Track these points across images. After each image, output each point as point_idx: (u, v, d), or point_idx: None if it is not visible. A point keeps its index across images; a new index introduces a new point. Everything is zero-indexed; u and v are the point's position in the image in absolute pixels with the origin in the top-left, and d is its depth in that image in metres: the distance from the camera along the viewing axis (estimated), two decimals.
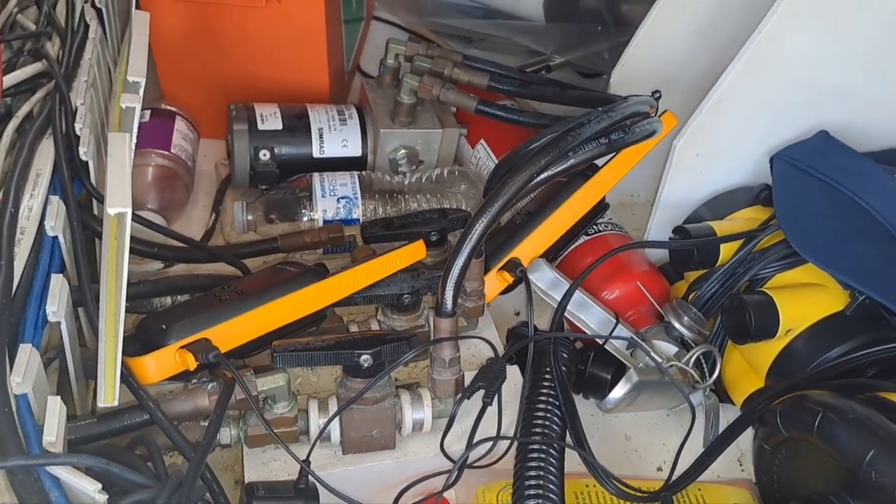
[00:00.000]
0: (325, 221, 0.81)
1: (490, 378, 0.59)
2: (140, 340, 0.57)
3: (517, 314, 0.82)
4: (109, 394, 0.50)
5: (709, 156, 0.77)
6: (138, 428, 0.53)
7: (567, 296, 0.68)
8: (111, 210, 0.42)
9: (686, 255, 0.75)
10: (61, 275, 0.55)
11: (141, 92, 0.59)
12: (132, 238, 0.71)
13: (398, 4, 1.19)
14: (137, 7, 0.80)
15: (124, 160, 0.47)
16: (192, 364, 0.53)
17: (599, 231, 0.78)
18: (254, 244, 0.77)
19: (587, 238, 0.77)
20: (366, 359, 0.57)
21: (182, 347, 0.55)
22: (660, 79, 0.85)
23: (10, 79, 0.72)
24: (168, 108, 0.89)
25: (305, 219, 0.81)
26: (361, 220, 0.82)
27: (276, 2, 0.86)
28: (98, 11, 0.83)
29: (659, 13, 0.84)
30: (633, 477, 0.61)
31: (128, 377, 0.53)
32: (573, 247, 0.76)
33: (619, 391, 0.64)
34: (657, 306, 0.72)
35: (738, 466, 0.71)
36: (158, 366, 0.54)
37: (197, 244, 0.76)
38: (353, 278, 0.63)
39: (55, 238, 0.59)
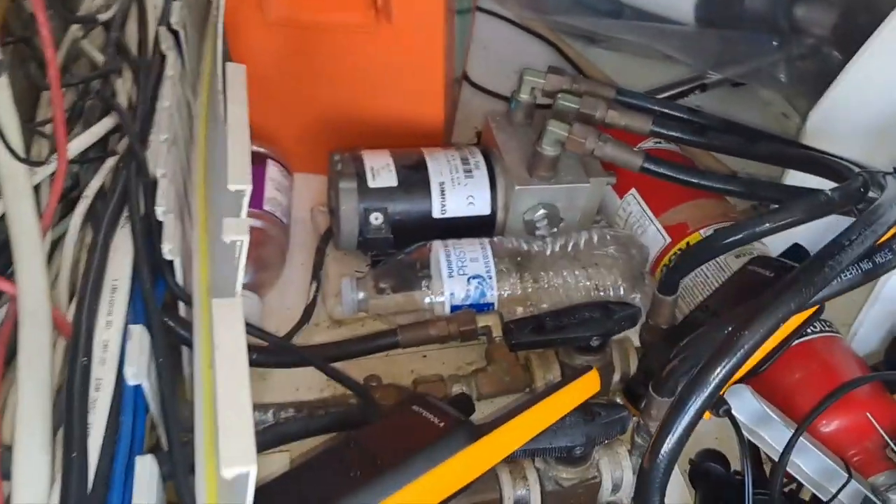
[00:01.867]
0: (452, 307, 0.66)
1: None
2: None
3: None
4: None
5: None
6: None
7: (789, 445, 0.52)
8: (227, 473, 0.28)
9: None
10: (150, 457, 0.42)
11: (245, 203, 0.44)
12: None
13: None
14: (224, 41, 0.65)
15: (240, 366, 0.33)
16: None
17: (804, 333, 0.61)
18: (367, 340, 0.63)
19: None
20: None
21: None
22: (874, 126, 0.66)
23: (79, 143, 0.58)
24: (258, 150, 0.75)
25: (427, 300, 0.67)
26: (496, 305, 0.67)
27: (387, 23, 0.70)
28: (174, 35, 0.69)
29: (881, 44, 0.65)
30: None
31: None
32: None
33: None
34: (894, 446, 0.56)
35: None
36: None
37: (282, 345, 0.61)
38: (516, 433, 0.48)
39: (137, 387, 0.46)
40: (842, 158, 0.61)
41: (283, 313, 0.71)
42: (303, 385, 0.64)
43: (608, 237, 0.71)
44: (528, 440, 0.49)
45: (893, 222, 0.47)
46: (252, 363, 0.58)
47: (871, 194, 0.52)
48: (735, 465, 0.60)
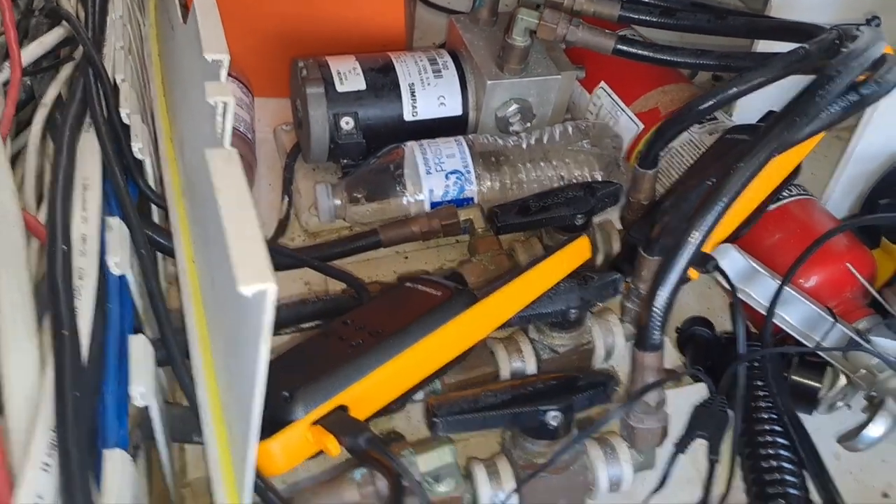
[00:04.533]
0: (433, 204, 0.65)
1: (711, 425, 0.45)
2: None
3: None
4: None
5: None
6: None
7: (777, 295, 0.52)
8: (246, 290, 0.27)
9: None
10: (142, 336, 0.41)
11: (224, 75, 0.42)
12: None
13: None
14: None
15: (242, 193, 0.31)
16: (335, 449, 0.39)
17: (782, 197, 0.62)
18: (349, 241, 0.62)
19: (769, 207, 0.61)
20: (554, 416, 0.42)
21: (316, 422, 0.40)
22: None
23: (30, 53, 0.55)
24: None
25: (405, 201, 0.66)
26: (476, 199, 0.66)
27: None
28: None
29: None
30: None
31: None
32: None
33: (877, 429, 0.50)
34: (874, 292, 0.57)
35: None
36: (287, 451, 0.40)
37: (282, 251, 0.60)
38: (513, 298, 0.48)
39: (122, 278, 0.44)
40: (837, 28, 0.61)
41: None
42: (283, 293, 0.63)
43: (582, 128, 0.70)
44: (524, 305, 0.48)
45: (873, 57, 0.47)
46: None
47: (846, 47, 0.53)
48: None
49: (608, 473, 0.46)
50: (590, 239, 0.61)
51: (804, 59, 0.51)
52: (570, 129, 0.70)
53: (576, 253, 0.52)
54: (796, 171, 0.59)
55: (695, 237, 0.42)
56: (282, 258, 0.57)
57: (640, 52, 0.63)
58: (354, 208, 0.66)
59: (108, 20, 0.61)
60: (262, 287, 0.27)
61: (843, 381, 0.56)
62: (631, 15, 0.67)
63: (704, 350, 0.58)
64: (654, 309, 0.43)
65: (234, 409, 0.37)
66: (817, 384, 0.56)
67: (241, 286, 0.27)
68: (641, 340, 0.44)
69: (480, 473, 0.45)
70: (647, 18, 0.67)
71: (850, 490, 0.57)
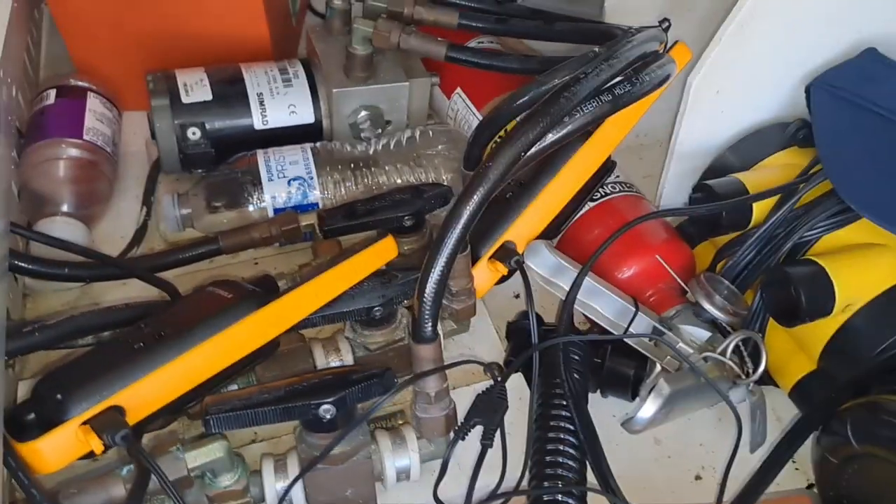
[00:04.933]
0: (276, 210, 0.67)
1: (489, 411, 0.47)
2: (36, 412, 0.44)
3: (517, 297, 0.69)
4: None
5: (732, 91, 0.63)
6: None
7: (575, 286, 0.55)
8: None
9: (713, 218, 0.61)
10: None
11: None
12: (32, 259, 0.58)
13: None
14: None
15: None
16: (97, 447, 0.41)
17: (606, 194, 0.64)
18: (187, 248, 0.63)
19: (592, 204, 0.64)
20: (327, 409, 0.44)
21: (85, 422, 0.42)
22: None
23: None
24: (77, 83, 0.74)
25: (252, 208, 0.67)
26: (321, 205, 0.68)
27: None
28: None
29: None
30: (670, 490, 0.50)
31: (15, 468, 0.41)
32: (576, 217, 0.63)
33: (649, 409, 0.52)
34: (682, 283, 0.60)
35: (791, 467, 0.60)
36: (56, 450, 0.42)
37: (104, 259, 0.61)
38: (306, 298, 0.50)
39: None
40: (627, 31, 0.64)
41: (115, 242, 0.71)
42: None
43: (432, 133, 0.73)
44: (319, 305, 0.50)
45: (634, 58, 0.50)
46: (70, 278, 0.59)
47: None
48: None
49: (395, 463, 0.48)
50: (426, 239, 0.64)
51: (594, 59, 0.54)
52: (418, 134, 0.72)
53: (380, 252, 0.53)
54: (607, 169, 0.61)
55: (451, 230, 0.44)
56: (109, 269, 0.59)
57: (468, 58, 0.66)
58: (209, 217, 0.68)
59: None
60: None
61: (658, 367, 0.58)
62: (469, 23, 0.70)
63: (524, 340, 0.60)
64: (424, 300, 0.45)
65: None
66: (630, 371, 0.59)
67: None
68: (415, 333, 0.46)
69: (267, 465, 0.47)
70: (484, 26, 0.70)
71: (666, 473, 0.60)
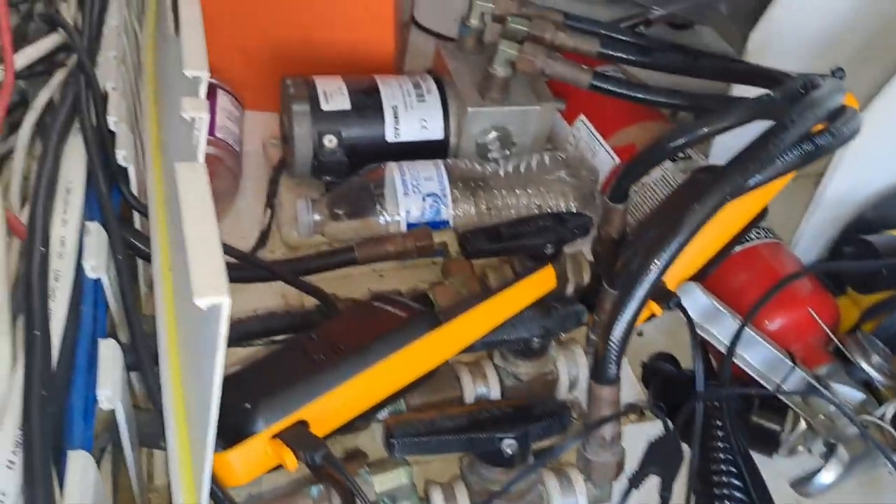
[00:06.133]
0: (409, 224, 0.67)
1: (665, 462, 0.46)
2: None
3: (640, 335, 0.69)
4: None
5: (892, 141, 0.62)
6: None
7: (737, 335, 0.54)
8: (200, 303, 0.28)
9: (870, 275, 0.61)
10: (112, 341, 0.42)
11: (203, 92, 0.44)
12: None
13: None
14: None
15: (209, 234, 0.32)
16: (292, 464, 0.40)
17: (748, 239, 0.64)
18: (325, 256, 0.63)
19: (737, 249, 0.63)
20: (510, 444, 0.44)
21: (276, 436, 0.41)
22: (815, 41, 0.69)
23: (25, 56, 0.56)
24: (209, 81, 0.74)
25: (382, 220, 0.67)
26: (452, 223, 0.68)
27: None
28: None
29: None
30: None
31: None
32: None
33: (829, 475, 0.51)
34: (835, 339, 0.59)
35: None
36: (247, 463, 0.41)
37: (254, 261, 0.61)
38: (477, 322, 0.49)
39: (97, 281, 0.45)
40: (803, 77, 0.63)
41: (237, 242, 0.70)
42: (260, 305, 0.64)
43: (559, 159, 0.72)
44: (487, 331, 0.50)
45: (830, 108, 0.49)
46: None
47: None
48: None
49: None
50: (560, 269, 0.63)
51: (768, 105, 0.53)
52: (547, 159, 0.72)
53: (540, 282, 0.53)
54: (763, 214, 0.60)
55: (650, 273, 0.44)
56: (256, 270, 0.59)
57: (613, 88, 0.66)
58: (334, 224, 0.68)
59: (104, 29, 0.63)
60: (216, 301, 0.28)
61: (803, 425, 0.57)
62: (609, 52, 0.69)
63: (667, 386, 0.60)
64: (611, 342, 0.45)
65: (194, 417, 0.38)
66: (777, 427, 0.58)
67: (196, 298, 0.28)
68: (597, 373, 0.46)
69: (437, 497, 0.46)
70: (625, 56, 0.69)
71: None
